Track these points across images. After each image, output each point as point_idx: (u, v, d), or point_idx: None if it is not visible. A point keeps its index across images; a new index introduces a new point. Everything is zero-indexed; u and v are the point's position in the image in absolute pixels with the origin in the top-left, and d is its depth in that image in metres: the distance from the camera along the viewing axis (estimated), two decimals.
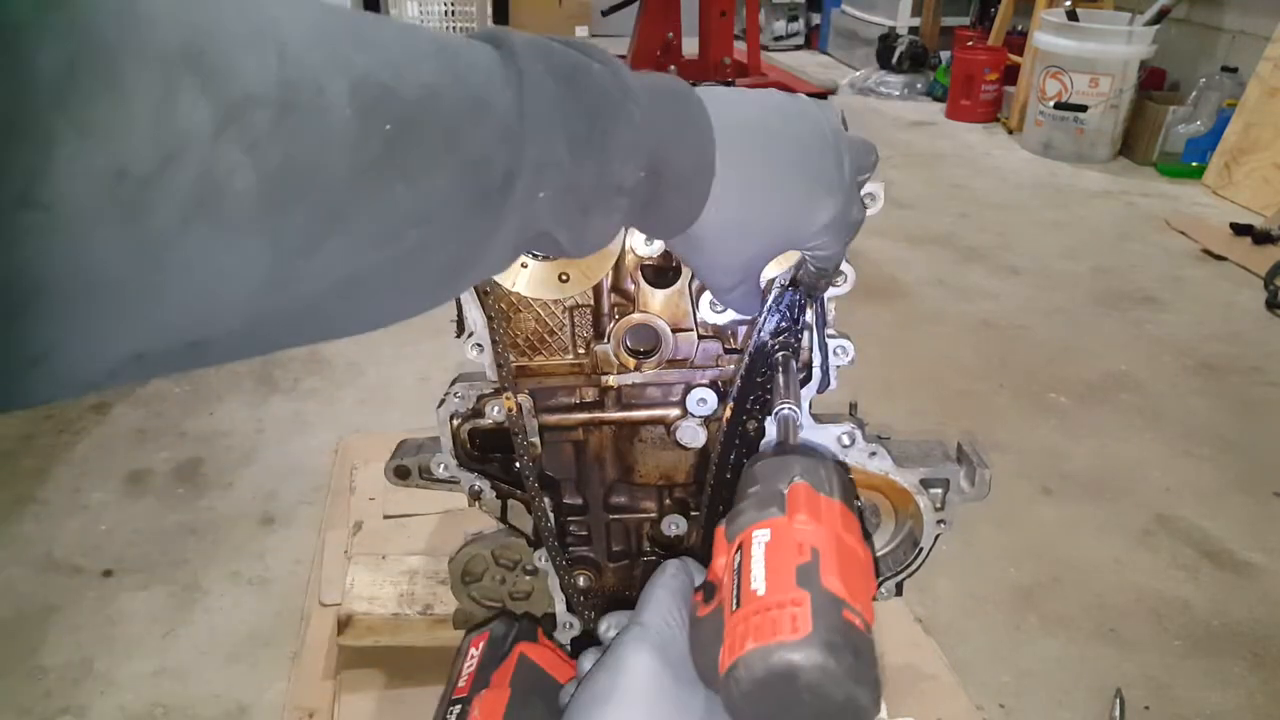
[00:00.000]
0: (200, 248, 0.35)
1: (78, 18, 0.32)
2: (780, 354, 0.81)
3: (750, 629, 0.48)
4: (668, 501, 0.99)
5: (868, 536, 0.58)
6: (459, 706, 0.66)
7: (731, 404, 0.85)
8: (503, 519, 0.98)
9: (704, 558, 0.96)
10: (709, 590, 0.56)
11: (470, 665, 0.69)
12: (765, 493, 0.56)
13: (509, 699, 0.65)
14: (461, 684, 0.68)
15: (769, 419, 0.72)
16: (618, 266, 0.85)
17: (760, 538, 0.52)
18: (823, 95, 4.62)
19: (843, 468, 0.70)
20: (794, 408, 0.71)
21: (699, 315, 0.87)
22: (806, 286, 0.74)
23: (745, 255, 0.64)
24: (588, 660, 0.63)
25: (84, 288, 0.33)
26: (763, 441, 0.72)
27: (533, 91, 0.48)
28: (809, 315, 0.87)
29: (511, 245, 0.51)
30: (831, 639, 0.46)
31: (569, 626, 1.02)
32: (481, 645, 0.71)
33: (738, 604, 0.50)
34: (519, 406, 0.89)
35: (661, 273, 0.86)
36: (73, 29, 0.31)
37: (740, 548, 0.53)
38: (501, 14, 5.63)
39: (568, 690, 0.65)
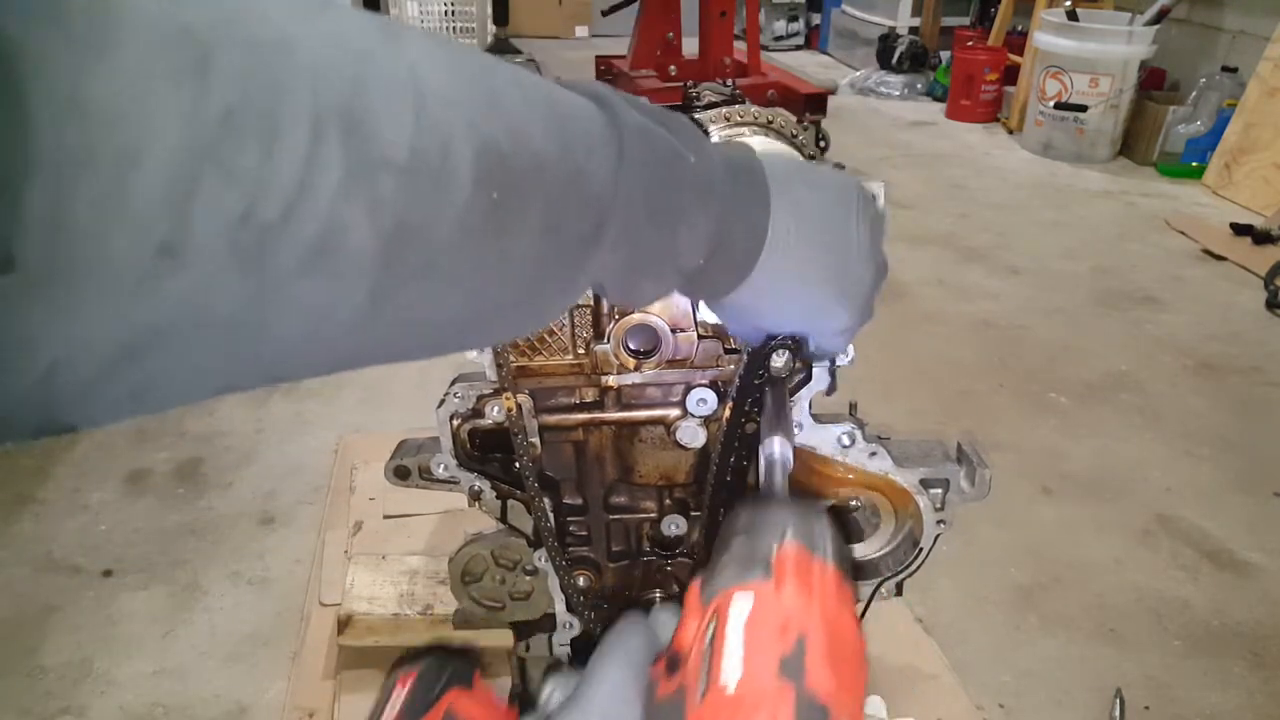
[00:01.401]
0: (308, 296, 0.36)
1: (241, 67, 0.31)
2: (774, 368, 0.81)
3: None
4: (668, 501, 0.99)
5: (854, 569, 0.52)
6: None
7: (730, 404, 0.85)
8: (503, 519, 0.98)
9: (704, 559, 0.96)
10: (672, 661, 0.47)
11: (393, 710, 0.62)
12: (750, 550, 0.48)
13: None
14: None
15: (760, 450, 0.69)
16: None
17: (741, 607, 0.44)
18: (823, 95, 4.61)
19: (833, 519, 0.62)
20: (785, 443, 0.65)
21: (699, 315, 0.87)
22: (802, 357, 0.73)
23: (759, 326, 0.66)
24: None
25: (193, 329, 0.33)
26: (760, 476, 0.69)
27: (630, 175, 0.48)
28: None
29: (572, 300, 0.53)
30: None
31: (569, 626, 1.02)
32: (409, 684, 0.64)
33: (704, 692, 0.42)
34: (519, 406, 0.89)
35: None
36: (235, 78, 0.31)
37: (715, 616, 0.45)
38: (501, 14, 5.63)
39: None
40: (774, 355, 0.74)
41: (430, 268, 0.40)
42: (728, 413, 0.85)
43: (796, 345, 0.71)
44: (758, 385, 0.79)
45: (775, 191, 0.58)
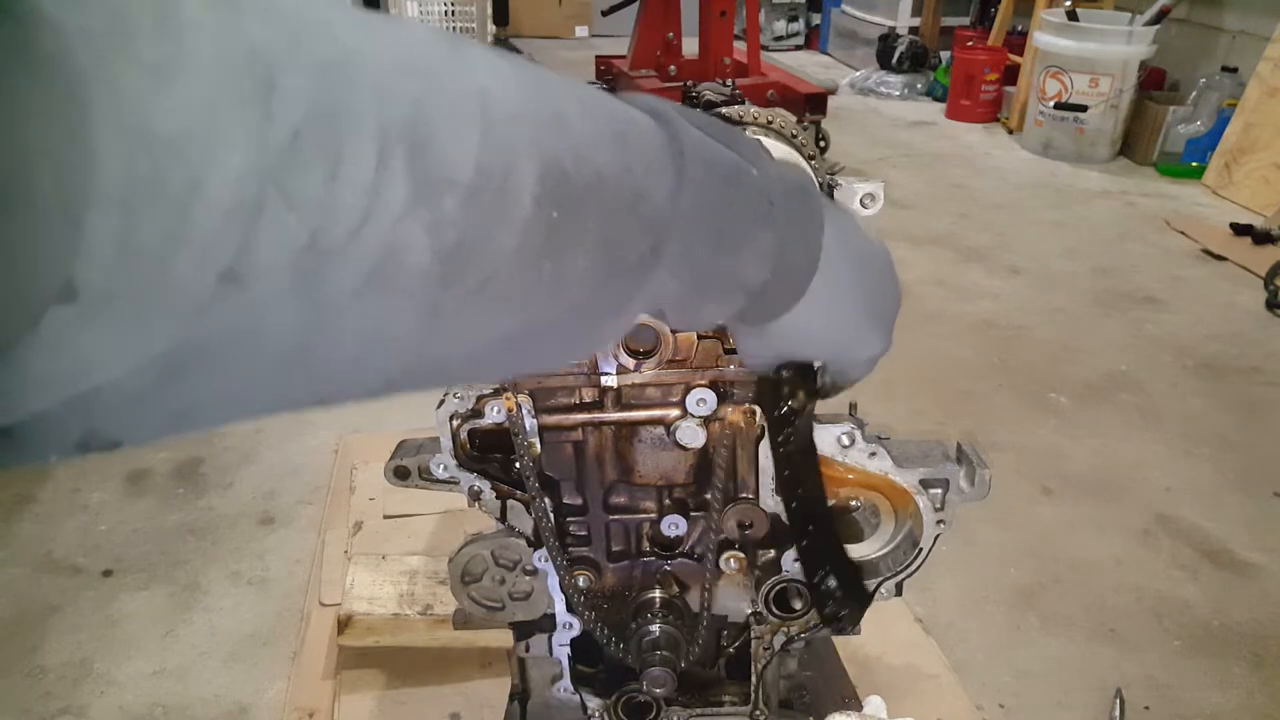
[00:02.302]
0: (363, 317, 0.35)
1: (306, 89, 0.30)
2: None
3: None
4: (667, 502, 0.99)
5: None
6: None
7: (768, 429, 0.85)
8: (502, 519, 0.98)
9: (703, 557, 0.96)
10: None
11: None
12: None
13: None
14: None
15: None
16: None
17: None
18: (823, 95, 4.61)
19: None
20: None
21: None
22: (819, 395, 0.75)
23: (795, 352, 0.67)
24: None
25: (244, 349, 0.32)
26: None
27: (691, 189, 0.48)
28: None
29: (627, 324, 0.51)
30: None
31: (569, 627, 1.02)
32: None
33: None
34: (518, 406, 0.89)
35: None
36: (300, 101, 0.30)
37: None
38: (501, 14, 5.62)
39: None
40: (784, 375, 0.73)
41: (486, 287, 0.39)
42: (771, 433, 0.84)
43: (806, 376, 0.71)
44: (785, 419, 0.78)
45: (825, 212, 0.59)
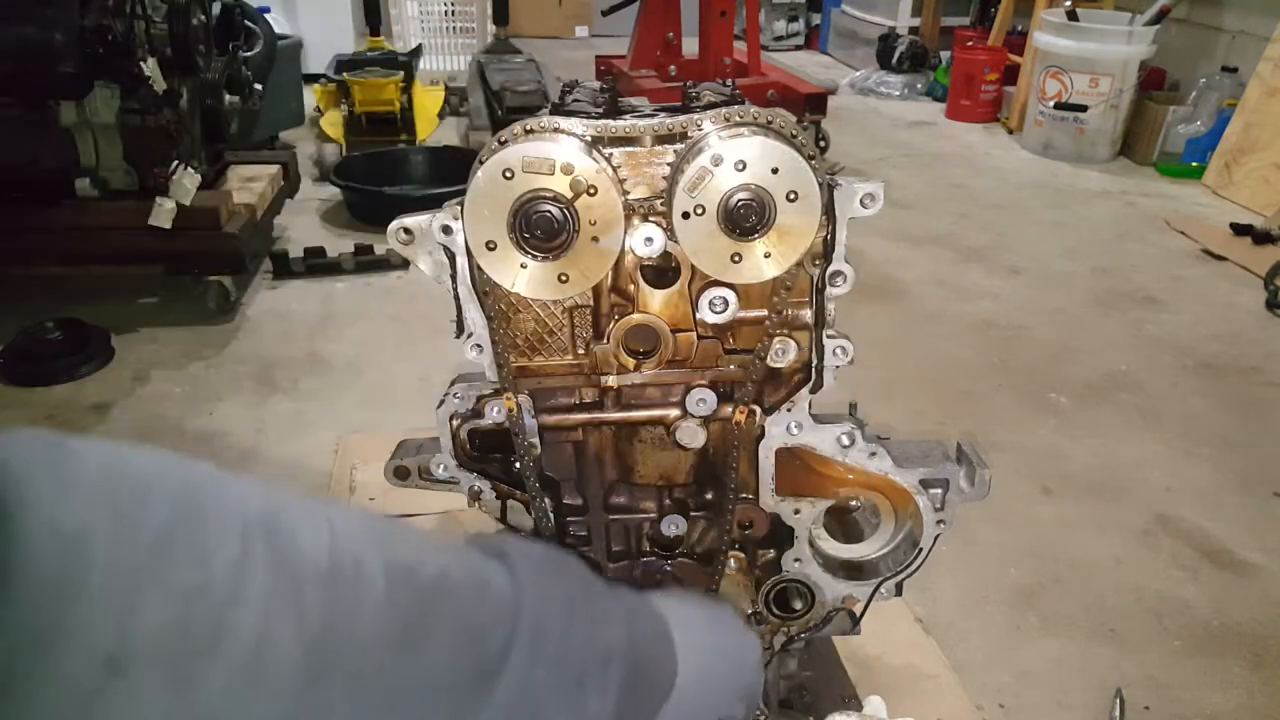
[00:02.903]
0: (234, 710, 0.38)
1: (174, 496, 0.38)
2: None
3: None
4: (667, 502, 0.99)
5: None
6: None
7: None
8: (502, 519, 0.98)
9: (703, 557, 0.96)
10: None
11: None
12: None
13: None
14: None
15: None
16: (617, 267, 0.84)
17: None
18: (823, 95, 4.61)
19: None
20: None
21: (698, 315, 0.87)
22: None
23: (718, 702, 0.74)
24: None
25: None
26: None
27: (522, 566, 0.56)
28: (809, 315, 0.87)
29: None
30: None
31: None
32: None
33: None
34: (518, 407, 0.89)
35: (661, 273, 0.86)
36: (168, 503, 0.37)
37: None
38: (501, 14, 5.62)
39: None
40: None
41: (351, 680, 0.43)
42: None
43: None
44: None
45: (680, 639, 0.69)
